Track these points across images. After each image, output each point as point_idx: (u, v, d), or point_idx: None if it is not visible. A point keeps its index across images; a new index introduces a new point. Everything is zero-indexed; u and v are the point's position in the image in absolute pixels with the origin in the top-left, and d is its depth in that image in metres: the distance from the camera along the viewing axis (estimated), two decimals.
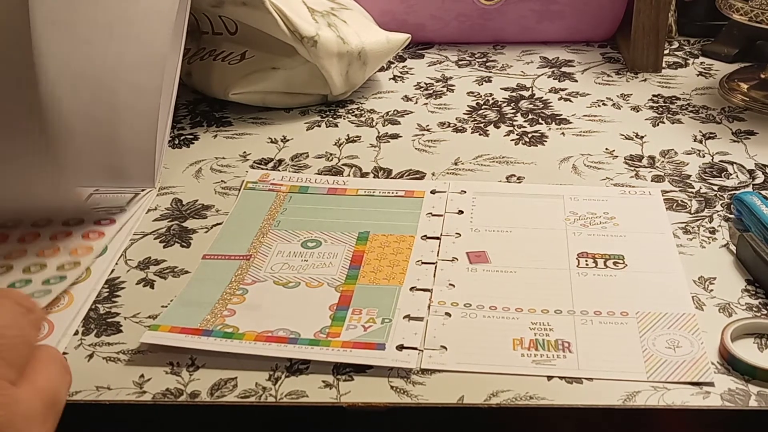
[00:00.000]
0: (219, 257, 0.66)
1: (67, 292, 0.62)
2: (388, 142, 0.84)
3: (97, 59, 0.78)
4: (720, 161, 0.78)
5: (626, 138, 0.83)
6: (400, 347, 0.56)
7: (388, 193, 0.74)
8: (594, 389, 0.53)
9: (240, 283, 0.63)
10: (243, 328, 0.58)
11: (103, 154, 0.76)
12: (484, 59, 1.02)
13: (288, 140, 0.84)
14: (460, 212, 0.71)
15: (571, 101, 0.91)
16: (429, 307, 0.60)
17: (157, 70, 0.77)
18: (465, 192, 0.74)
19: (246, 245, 0.67)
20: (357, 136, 0.85)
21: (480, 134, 0.84)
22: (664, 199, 0.72)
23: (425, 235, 0.68)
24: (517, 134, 0.84)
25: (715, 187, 0.74)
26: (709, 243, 0.67)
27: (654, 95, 0.91)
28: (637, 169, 0.77)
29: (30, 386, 0.38)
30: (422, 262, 0.65)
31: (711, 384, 0.53)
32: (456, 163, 0.79)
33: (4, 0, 0.68)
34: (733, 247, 0.66)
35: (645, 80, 0.95)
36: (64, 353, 0.57)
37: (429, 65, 1.01)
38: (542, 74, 0.97)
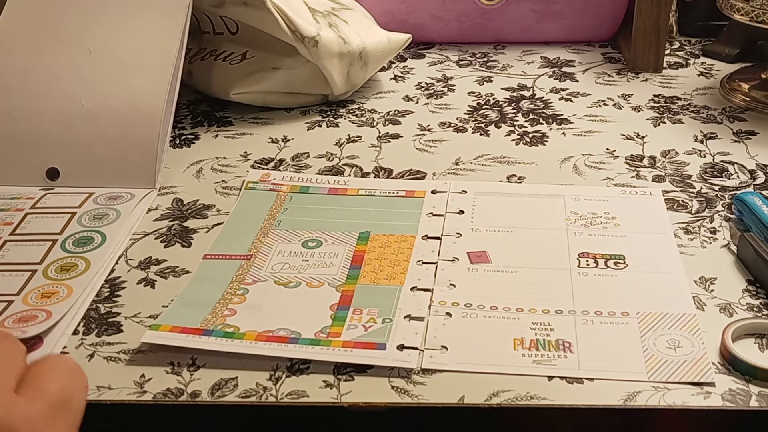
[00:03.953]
0: (220, 257, 0.66)
1: (66, 286, 0.63)
2: (389, 142, 0.84)
3: (100, 64, 0.78)
4: (721, 161, 0.78)
5: (627, 138, 0.83)
6: (401, 347, 0.56)
7: (389, 193, 0.74)
8: (594, 389, 0.53)
9: (241, 283, 0.63)
10: (244, 328, 0.58)
11: (104, 153, 0.76)
12: (485, 59, 1.02)
13: (289, 140, 0.84)
14: (461, 212, 0.71)
15: (572, 101, 0.91)
16: (430, 307, 0.60)
17: (162, 73, 0.77)
18: (466, 192, 0.74)
19: (247, 245, 0.67)
20: (358, 136, 0.85)
21: (481, 134, 0.84)
22: (665, 199, 0.72)
23: (426, 235, 0.68)
24: (518, 134, 0.84)
25: (716, 187, 0.74)
26: (710, 243, 0.67)
27: (655, 95, 0.91)
28: (637, 169, 0.77)
29: (32, 390, 0.39)
30: (423, 262, 0.65)
31: (712, 384, 0.53)
32: (457, 163, 0.79)
33: None
34: (734, 247, 0.66)
35: (646, 80, 0.95)
36: (65, 352, 0.57)
37: (430, 65, 1.01)
38: (543, 74, 0.97)
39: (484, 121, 0.87)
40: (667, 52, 1.00)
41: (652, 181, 0.75)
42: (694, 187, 0.74)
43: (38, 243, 0.67)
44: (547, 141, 0.83)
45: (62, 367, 0.41)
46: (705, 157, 0.79)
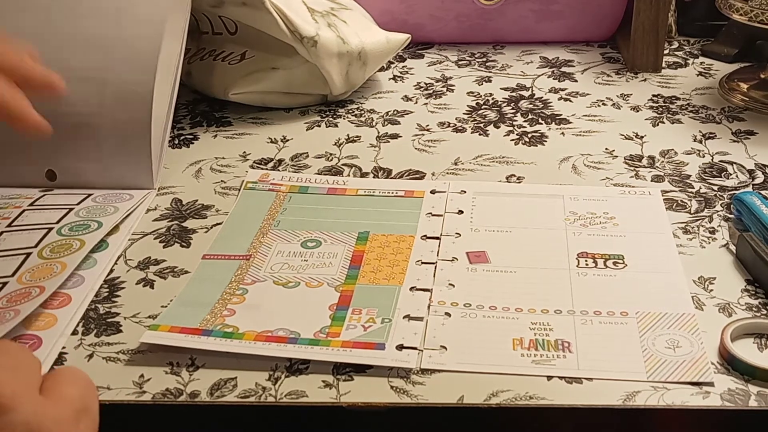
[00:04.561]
0: (219, 257, 0.66)
1: (60, 263, 0.63)
2: (388, 142, 0.84)
3: (100, 62, 0.78)
4: (720, 161, 0.78)
5: (626, 138, 0.83)
6: (400, 347, 0.56)
7: (388, 193, 0.74)
8: (594, 389, 0.53)
9: (240, 283, 0.63)
10: (243, 328, 0.58)
11: (104, 154, 0.76)
12: (484, 59, 1.02)
13: (288, 140, 0.84)
14: (460, 212, 0.71)
15: (570, 101, 0.91)
16: (429, 307, 0.60)
17: (165, 75, 0.77)
18: (465, 192, 0.74)
19: (246, 245, 0.67)
20: (357, 136, 0.85)
21: (480, 134, 0.84)
22: (664, 199, 0.72)
23: (425, 235, 0.68)
24: (517, 134, 0.84)
25: (715, 187, 0.74)
26: (709, 243, 0.67)
27: (654, 95, 0.91)
28: (636, 169, 0.77)
29: (55, 395, 0.40)
30: (422, 262, 0.65)
31: (711, 384, 0.53)
32: (456, 163, 0.79)
33: None
34: (732, 247, 0.66)
35: (645, 80, 0.95)
36: (64, 353, 0.57)
37: (429, 65, 1.01)
38: (542, 74, 0.97)
39: (483, 121, 0.87)
40: (666, 51, 1.00)
41: (651, 181, 0.75)
42: (693, 187, 0.74)
43: (35, 230, 0.67)
44: (546, 141, 0.83)
45: (77, 377, 0.42)
46: (704, 156, 0.79)
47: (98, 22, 0.77)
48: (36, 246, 0.65)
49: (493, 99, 0.92)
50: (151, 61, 0.75)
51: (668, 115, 0.87)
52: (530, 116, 0.88)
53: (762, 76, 0.91)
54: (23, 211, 0.71)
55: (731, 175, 0.76)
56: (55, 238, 0.66)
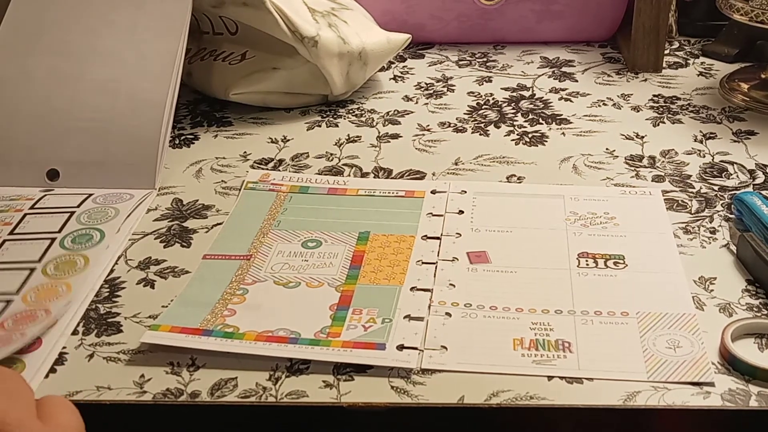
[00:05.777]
0: (219, 257, 0.66)
1: (65, 284, 0.63)
2: (389, 142, 0.84)
3: (101, 65, 0.78)
4: (720, 161, 0.78)
5: (627, 138, 0.83)
6: (401, 347, 0.56)
7: (389, 193, 0.74)
8: (594, 389, 0.53)
9: (240, 283, 0.63)
10: (243, 328, 0.58)
11: (105, 154, 0.76)
12: (485, 59, 1.02)
13: (288, 140, 0.84)
14: (461, 212, 0.71)
15: (571, 101, 0.91)
16: (429, 307, 0.60)
17: (163, 75, 0.77)
18: (465, 192, 0.74)
19: (246, 245, 0.67)
20: (357, 136, 0.85)
21: (480, 134, 0.84)
22: (665, 199, 0.72)
23: (425, 235, 0.68)
24: (517, 134, 0.84)
25: (716, 187, 0.74)
26: (710, 243, 0.67)
27: (654, 95, 0.91)
28: (637, 169, 0.77)
29: (53, 422, 0.41)
30: (422, 262, 0.65)
31: (711, 384, 0.53)
32: (456, 163, 0.79)
33: None
34: (733, 247, 0.66)
35: (645, 80, 0.95)
36: (64, 352, 0.57)
37: (429, 65, 1.01)
38: (542, 74, 0.97)
39: (483, 121, 0.87)
40: (666, 52, 1.00)
41: (652, 181, 0.75)
42: (694, 187, 0.74)
43: (37, 241, 0.67)
44: (546, 141, 0.83)
45: (68, 405, 0.43)
46: (704, 157, 0.79)
47: (115, 37, 0.79)
48: (39, 260, 0.65)
49: (493, 99, 0.92)
50: (165, 72, 0.77)
51: (669, 115, 0.87)
52: (531, 116, 0.88)
53: (762, 76, 0.91)
54: (24, 215, 0.71)
55: (732, 175, 0.76)
56: (59, 252, 0.66)
